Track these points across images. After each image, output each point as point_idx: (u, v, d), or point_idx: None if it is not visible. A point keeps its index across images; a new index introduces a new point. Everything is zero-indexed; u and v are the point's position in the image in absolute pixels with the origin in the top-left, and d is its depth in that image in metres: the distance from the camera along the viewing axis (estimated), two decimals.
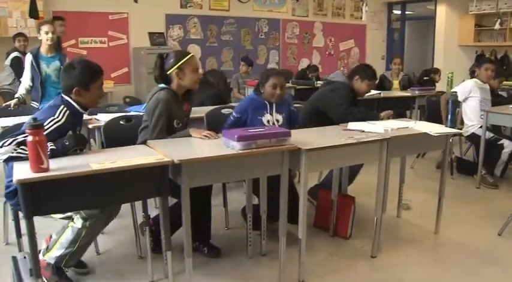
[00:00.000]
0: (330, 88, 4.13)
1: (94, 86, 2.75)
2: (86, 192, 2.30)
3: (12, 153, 2.37)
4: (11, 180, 2.35)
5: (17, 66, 6.14)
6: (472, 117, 5.32)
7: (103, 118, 3.80)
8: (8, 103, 4.49)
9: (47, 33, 4.67)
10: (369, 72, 4.15)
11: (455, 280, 3.11)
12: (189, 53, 3.28)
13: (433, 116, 5.55)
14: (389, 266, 3.26)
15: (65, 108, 2.64)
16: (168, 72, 3.19)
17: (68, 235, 2.67)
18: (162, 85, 3.22)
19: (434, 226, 3.81)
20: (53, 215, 2.71)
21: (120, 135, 3.52)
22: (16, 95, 4.65)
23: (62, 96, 2.73)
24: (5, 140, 2.39)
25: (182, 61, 3.17)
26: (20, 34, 6.78)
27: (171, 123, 3.12)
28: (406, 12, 12.39)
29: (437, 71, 8.19)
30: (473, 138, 5.33)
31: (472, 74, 9.90)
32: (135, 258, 3.28)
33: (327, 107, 3.99)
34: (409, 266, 3.26)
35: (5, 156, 2.38)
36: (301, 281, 3.01)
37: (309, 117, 4.00)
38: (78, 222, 2.65)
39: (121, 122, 3.63)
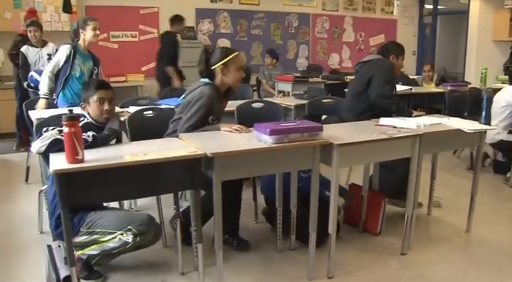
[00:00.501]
0: (374, 61, 4.07)
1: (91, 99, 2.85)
2: (119, 183, 2.34)
3: (56, 136, 2.44)
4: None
5: (24, 62, 5.84)
6: (503, 126, 4.98)
7: (134, 111, 3.85)
8: (37, 107, 4.37)
9: (94, 29, 4.60)
10: (401, 47, 4.25)
11: (487, 280, 3.05)
12: (235, 51, 3.25)
13: (454, 111, 5.42)
14: (420, 264, 3.22)
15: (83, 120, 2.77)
16: (213, 68, 3.19)
17: (113, 243, 2.68)
18: (206, 80, 3.22)
19: (466, 224, 3.75)
20: None
21: (145, 127, 3.58)
22: (42, 96, 4.46)
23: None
24: (48, 128, 2.49)
25: (228, 58, 3.16)
26: (34, 23, 6.02)
27: (206, 118, 3.12)
28: (438, 7, 12.15)
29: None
30: (502, 144, 5.04)
31: (506, 70, 9.71)
32: (161, 247, 3.31)
33: (373, 80, 3.91)
34: (439, 265, 3.22)
35: (50, 140, 2.44)
36: (331, 277, 3.00)
37: (362, 109, 3.90)
38: (128, 237, 2.66)
39: (145, 114, 3.70)
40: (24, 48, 5.66)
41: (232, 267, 3.09)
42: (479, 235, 3.69)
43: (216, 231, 2.58)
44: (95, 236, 2.67)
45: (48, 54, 5.68)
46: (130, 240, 2.64)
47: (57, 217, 2.69)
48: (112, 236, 2.67)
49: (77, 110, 2.71)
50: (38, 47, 5.46)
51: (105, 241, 2.66)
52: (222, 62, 3.15)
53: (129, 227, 2.65)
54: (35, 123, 3.64)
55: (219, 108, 3.27)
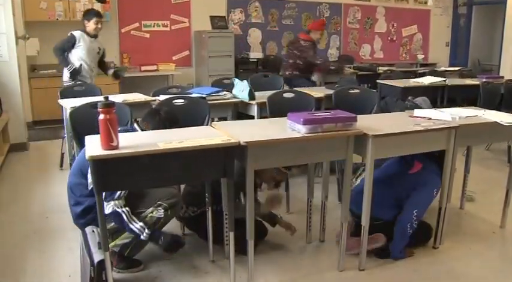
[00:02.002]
0: None
1: None
2: (153, 170, 2.34)
3: (118, 208, 2.60)
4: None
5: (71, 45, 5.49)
6: None
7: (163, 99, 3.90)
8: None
9: (96, 23, 5.37)
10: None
11: None
12: None
13: (489, 104, 5.32)
14: (452, 258, 3.17)
15: None
16: None
17: (145, 223, 2.73)
18: None
19: (500, 220, 3.66)
20: None
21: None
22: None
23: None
24: (115, 194, 2.60)
25: None
26: (100, 14, 5.68)
27: None
28: None
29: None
30: None
31: None
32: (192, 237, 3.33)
33: None
34: (472, 260, 3.16)
35: (110, 210, 2.59)
36: (362, 270, 2.98)
37: None
38: (160, 213, 2.76)
39: (174, 102, 3.73)
40: (78, 33, 5.39)
41: (262, 257, 3.08)
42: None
43: (248, 220, 2.59)
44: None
45: (98, 48, 5.61)
46: (162, 215, 2.76)
47: (85, 208, 2.77)
48: (145, 214, 2.74)
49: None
50: (92, 37, 5.43)
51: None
52: None
53: (159, 202, 2.77)
54: (68, 111, 3.68)
55: None
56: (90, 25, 5.37)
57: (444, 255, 3.21)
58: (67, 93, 4.60)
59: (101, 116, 2.25)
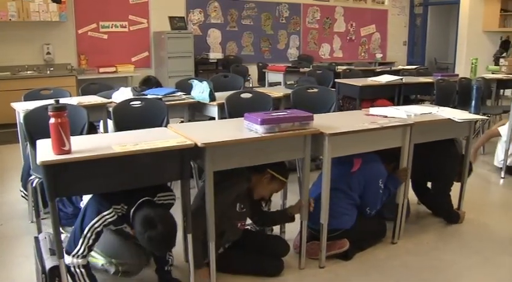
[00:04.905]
0: None
1: None
2: (108, 174, 2.30)
3: (72, 267, 2.38)
4: None
5: None
6: None
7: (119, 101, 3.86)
8: None
9: None
10: None
11: (474, 268, 3.08)
12: None
13: (442, 100, 5.46)
14: (409, 253, 3.24)
15: None
16: None
17: (97, 265, 2.66)
18: None
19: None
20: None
21: (131, 117, 3.58)
22: None
23: None
24: (75, 249, 2.37)
25: None
26: None
27: None
28: None
29: None
30: None
31: (496, 61, 9.74)
32: None
33: None
34: (428, 254, 3.23)
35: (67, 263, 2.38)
36: (322, 267, 3.01)
37: None
38: (110, 269, 2.65)
39: (131, 104, 3.68)
40: None
41: None
42: (470, 224, 3.70)
43: (209, 223, 2.57)
44: None
45: None
46: (111, 272, 2.65)
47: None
48: (99, 257, 2.66)
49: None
50: None
51: (91, 256, 2.61)
52: None
53: (113, 260, 2.63)
54: (21, 114, 3.57)
55: None
56: None
57: (401, 250, 3.27)
58: (32, 96, 4.42)
59: (52, 120, 2.19)
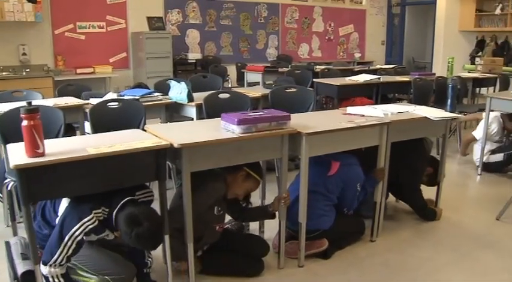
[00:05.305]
0: None
1: None
2: (83, 177, 2.26)
3: (51, 278, 2.31)
4: None
5: None
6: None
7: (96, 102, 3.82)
8: None
9: None
10: None
11: (451, 264, 3.12)
12: None
13: (419, 99, 5.52)
14: (387, 250, 3.27)
15: None
16: None
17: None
18: None
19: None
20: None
21: (108, 118, 3.55)
22: None
23: None
24: (56, 257, 2.30)
25: None
26: None
27: None
28: None
29: None
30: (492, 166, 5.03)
31: (473, 60, 9.89)
32: None
33: None
34: (406, 251, 3.27)
35: (44, 273, 2.31)
36: (301, 266, 3.02)
37: None
38: None
39: (109, 105, 3.65)
40: None
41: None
42: (447, 221, 3.75)
43: (187, 224, 2.56)
44: (75, 266, 2.55)
45: None
46: None
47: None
48: (90, 276, 2.57)
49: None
50: None
51: (82, 276, 2.56)
52: None
53: (106, 277, 2.55)
54: None
55: None
56: None
57: (380, 248, 3.30)
58: (3, 99, 4.34)
59: (24, 123, 2.15)
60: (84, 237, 2.30)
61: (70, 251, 2.29)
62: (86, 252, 2.49)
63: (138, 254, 2.67)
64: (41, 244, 2.38)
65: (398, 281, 2.92)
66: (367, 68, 8.11)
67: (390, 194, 3.80)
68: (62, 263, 2.30)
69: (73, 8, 7.87)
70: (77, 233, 2.26)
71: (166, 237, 2.55)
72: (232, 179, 2.85)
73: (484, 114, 4.94)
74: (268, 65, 7.99)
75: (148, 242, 2.37)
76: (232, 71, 8.74)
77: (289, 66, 8.04)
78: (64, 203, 2.40)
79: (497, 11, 9.68)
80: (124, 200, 2.34)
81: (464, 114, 5.86)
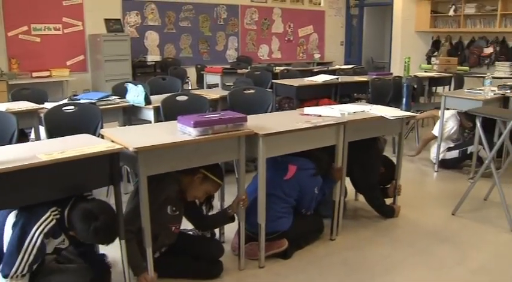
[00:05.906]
0: None
1: None
2: (35, 184, 2.19)
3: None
4: None
5: None
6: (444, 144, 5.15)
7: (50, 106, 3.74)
8: None
9: None
10: None
11: (408, 259, 3.19)
12: None
13: (377, 98, 5.63)
14: (347, 248, 3.31)
15: None
16: None
17: None
18: None
19: None
20: None
21: (64, 123, 3.49)
22: None
23: None
24: (17, 266, 2.21)
25: None
26: None
27: None
28: None
29: None
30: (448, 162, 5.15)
31: (429, 60, 10.12)
32: None
33: None
34: (365, 249, 3.32)
35: None
36: (262, 267, 3.03)
37: None
38: None
39: (64, 109, 3.59)
40: None
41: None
42: (405, 218, 3.83)
43: (145, 228, 2.53)
44: None
45: None
46: None
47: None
48: None
49: None
50: None
51: None
52: None
53: None
54: None
55: None
56: None
57: (339, 246, 3.34)
58: None
59: None
60: (45, 240, 2.24)
61: (31, 258, 2.22)
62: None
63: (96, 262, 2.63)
64: None
65: (356, 279, 2.96)
66: (326, 68, 8.19)
67: (348, 193, 3.86)
68: (23, 273, 2.23)
69: (27, 9, 7.67)
70: (36, 233, 2.21)
71: (123, 243, 2.51)
72: (189, 181, 2.82)
73: (440, 111, 5.06)
74: (228, 66, 7.98)
75: (105, 236, 2.36)
76: (192, 73, 8.68)
77: (249, 67, 8.05)
78: (11, 215, 2.32)
79: (451, 13, 9.93)
80: (73, 199, 2.31)
81: (420, 113, 6.00)
